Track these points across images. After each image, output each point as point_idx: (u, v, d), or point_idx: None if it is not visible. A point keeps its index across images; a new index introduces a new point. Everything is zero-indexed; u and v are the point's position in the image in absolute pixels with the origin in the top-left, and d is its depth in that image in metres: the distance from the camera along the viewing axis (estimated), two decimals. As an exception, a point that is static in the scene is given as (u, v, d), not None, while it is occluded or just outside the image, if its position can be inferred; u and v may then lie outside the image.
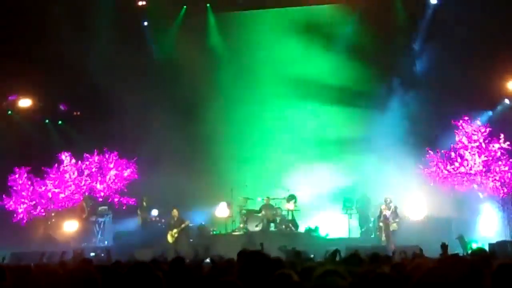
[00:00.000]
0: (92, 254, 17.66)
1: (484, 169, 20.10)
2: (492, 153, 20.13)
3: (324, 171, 22.67)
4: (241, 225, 21.96)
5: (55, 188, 21.75)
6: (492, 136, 20.24)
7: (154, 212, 22.42)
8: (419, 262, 5.58)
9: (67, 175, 21.95)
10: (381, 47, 23.15)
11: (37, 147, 22.81)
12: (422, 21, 23.29)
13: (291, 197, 22.18)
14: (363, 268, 6.08)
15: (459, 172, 20.36)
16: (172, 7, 24.45)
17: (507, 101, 21.91)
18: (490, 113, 21.68)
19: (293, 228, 21.93)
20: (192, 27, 24.70)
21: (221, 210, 22.61)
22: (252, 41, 24.18)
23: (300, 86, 23.86)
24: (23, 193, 21.55)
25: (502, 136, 20.01)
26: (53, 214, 22.03)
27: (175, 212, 20.93)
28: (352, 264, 6.62)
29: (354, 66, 22.81)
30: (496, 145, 20.03)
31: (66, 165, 22.06)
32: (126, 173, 22.26)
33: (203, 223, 22.22)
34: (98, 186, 22.13)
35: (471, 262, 3.91)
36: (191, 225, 21.32)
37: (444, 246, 8.43)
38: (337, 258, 8.92)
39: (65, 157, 22.08)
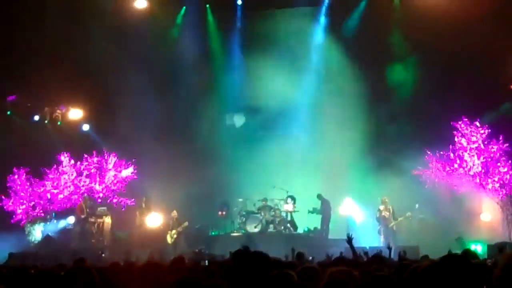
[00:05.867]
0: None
1: (483, 170, 20.09)
2: (491, 155, 20.12)
3: (321, 172, 22.52)
4: (240, 226, 21.95)
5: (54, 189, 21.73)
6: (491, 138, 20.23)
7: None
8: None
9: (66, 176, 21.94)
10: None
11: (36, 147, 22.75)
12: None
13: (290, 198, 22.14)
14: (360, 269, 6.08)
15: (458, 173, 20.35)
16: (171, 7, 24.43)
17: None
18: (490, 114, 21.62)
19: (292, 229, 21.92)
20: (191, 28, 24.66)
21: (219, 211, 22.63)
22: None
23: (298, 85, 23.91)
24: (22, 194, 21.54)
25: (501, 137, 20.00)
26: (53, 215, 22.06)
27: (174, 213, 20.98)
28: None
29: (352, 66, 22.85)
30: (495, 147, 20.03)
31: (65, 166, 22.05)
32: (124, 173, 22.22)
33: (201, 224, 22.22)
34: (97, 187, 22.12)
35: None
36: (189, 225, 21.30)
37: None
38: None
39: (64, 157, 22.08)
